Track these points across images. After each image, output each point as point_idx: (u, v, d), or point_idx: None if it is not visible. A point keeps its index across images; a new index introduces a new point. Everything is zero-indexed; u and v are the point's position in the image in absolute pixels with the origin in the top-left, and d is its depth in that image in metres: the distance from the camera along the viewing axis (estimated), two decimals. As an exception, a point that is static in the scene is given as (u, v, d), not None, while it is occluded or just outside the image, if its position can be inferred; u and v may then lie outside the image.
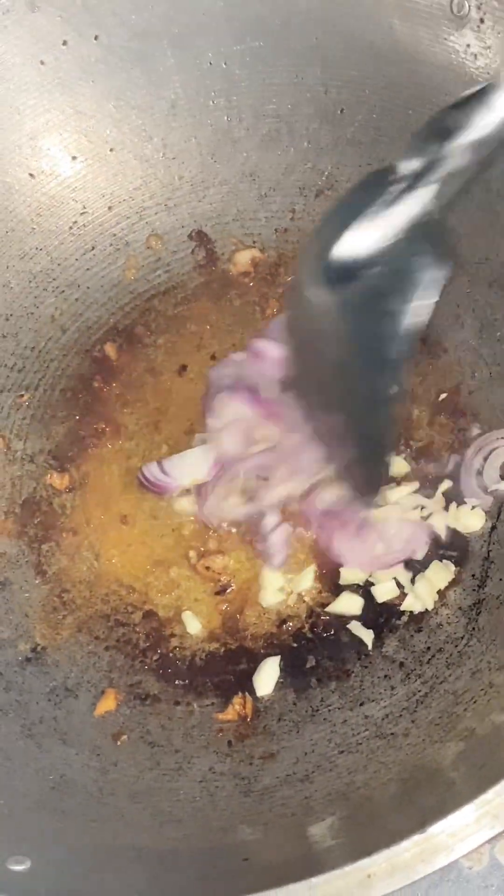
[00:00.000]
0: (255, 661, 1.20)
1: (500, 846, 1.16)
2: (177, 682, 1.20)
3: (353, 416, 1.12)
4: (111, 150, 1.41)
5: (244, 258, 1.44)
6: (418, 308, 1.00)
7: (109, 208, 1.43)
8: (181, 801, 1.06)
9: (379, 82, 1.32)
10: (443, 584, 1.20)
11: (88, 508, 1.31)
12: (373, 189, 1.03)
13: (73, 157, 1.40)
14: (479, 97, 0.94)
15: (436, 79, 1.27)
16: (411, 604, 1.20)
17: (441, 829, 0.83)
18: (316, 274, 1.05)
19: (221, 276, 1.44)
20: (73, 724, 1.16)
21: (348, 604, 1.22)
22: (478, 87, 0.94)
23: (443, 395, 1.32)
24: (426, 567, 1.22)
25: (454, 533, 1.24)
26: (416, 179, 1.00)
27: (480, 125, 0.94)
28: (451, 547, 1.23)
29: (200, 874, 0.94)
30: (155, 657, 1.22)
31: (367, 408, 1.09)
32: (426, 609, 1.20)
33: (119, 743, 1.14)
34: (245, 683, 1.19)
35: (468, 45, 1.23)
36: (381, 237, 1.01)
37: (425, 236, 1.00)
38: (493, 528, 1.22)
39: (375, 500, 1.23)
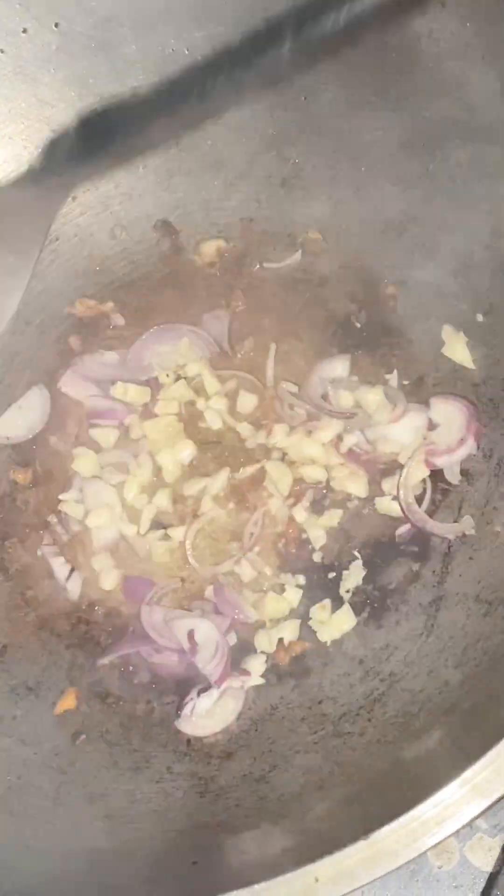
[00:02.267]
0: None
1: (471, 845, 1.15)
2: (137, 681, 1.19)
3: None
4: (74, 139, 1.38)
5: (210, 248, 1.42)
6: None
7: (73, 198, 1.41)
8: (137, 801, 1.06)
9: (340, 69, 1.29)
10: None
11: (51, 504, 1.30)
12: None
13: (36, 147, 1.37)
14: None
15: (402, 60, 1.25)
16: None
17: (386, 835, 0.82)
18: None
19: (187, 266, 1.43)
20: (32, 723, 1.15)
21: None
22: None
23: (406, 383, 1.31)
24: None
25: (416, 529, 1.23)
26: None
27: None
28: (412, 542, 1.22)
29: (150, 877, 0.93)
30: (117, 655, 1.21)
31: None
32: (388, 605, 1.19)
33: (78, 742, 1.14)
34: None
35: (431, 29, 1.21)
36: None
37: None
38: (454, 522, 1.20)
39: None
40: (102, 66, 1.34)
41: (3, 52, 1.31)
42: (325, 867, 0.82)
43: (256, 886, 0.81)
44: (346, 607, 1.21)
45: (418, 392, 1.30)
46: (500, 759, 0.84)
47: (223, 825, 1.00)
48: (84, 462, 1.30)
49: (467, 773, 0.83)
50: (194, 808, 1.04)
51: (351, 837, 0.82)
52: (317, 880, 0.82)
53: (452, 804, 0.83)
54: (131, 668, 1.20)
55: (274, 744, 1.10)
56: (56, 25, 1.30)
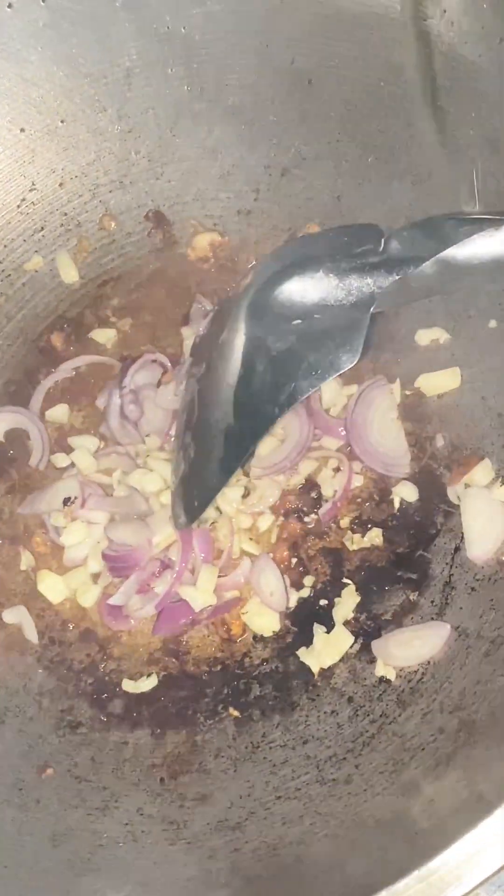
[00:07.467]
0: (196, 688, 1.12)
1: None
2: (111, 711, 1.11)
3: (214, 441, 1.10)
4: (62, 121, 1.31)
5: (203, 242, 1.34)
6: (309, 383, 1.03)
7: (60, 185, 1.33)
8: (103, 846, 0.98)
9: (348, 51, 1.21)
10: None
11: (27, 515, 1.22)
12: (349, 242, 1.01)
13: (21, 130, 1.30)
14: (491, 224, 0.92)
15: (409, 49, 1.16)
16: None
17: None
18: (255, 299, 1.05)
19: (179, 261, 1.34)
20: (-4, 753, 1.08)
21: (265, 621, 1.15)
22: (493, 216, 0.92)
23: (408, 393, 1.22)
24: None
25: (417, 555, 1.14)
26: (391, 264, 0.97)
27: (477, 251, 0.92)
28: (411, 568, 1.13)
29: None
30: (90, 681, 1.13)
31: (228, 440, 1.08)
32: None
33: (44, 777, 1.06)
34: (184, 714, 1.10)
35: (444, 11, 1.12)
36: (326, 295, 1.00)
37: (353, 321, 1.00)
38: (457, 549, 1.12)
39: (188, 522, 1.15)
40: (93, 45, 1.28)
41: (-14, 28, 1.23)
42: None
43: None
44: (341, 628, 1.13)
45: (420, 405, 1.21)
46: (491, 830, 0.75)
47: (193, 879, 0.92)
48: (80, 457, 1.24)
49: (458, 844, 0.75)
50: (162, 857, 0.96)
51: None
52: None
53: (440, 878, 0.75)
54: (105, 695, 1.12)
55: (253, 787, 1.02)
56: (44, 0, 1.22)
